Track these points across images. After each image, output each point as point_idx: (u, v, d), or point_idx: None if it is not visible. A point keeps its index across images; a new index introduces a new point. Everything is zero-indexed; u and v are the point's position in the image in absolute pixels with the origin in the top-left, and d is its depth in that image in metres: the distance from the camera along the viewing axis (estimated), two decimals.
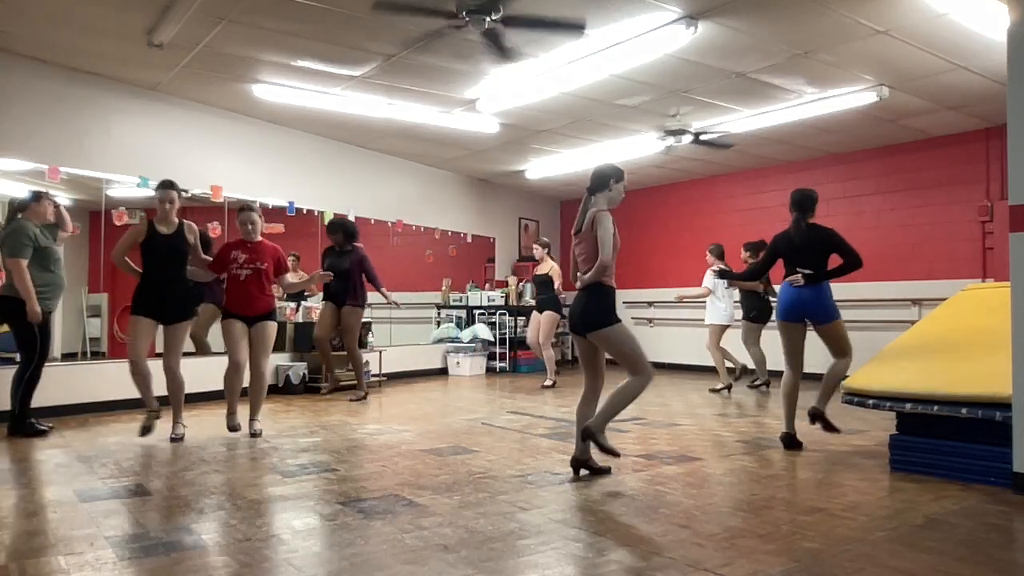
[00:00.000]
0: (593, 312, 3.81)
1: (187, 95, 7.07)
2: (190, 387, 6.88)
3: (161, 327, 5.01)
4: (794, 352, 4.79)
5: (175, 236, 5.00)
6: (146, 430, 4.93)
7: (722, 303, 7.93)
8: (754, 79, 6.28)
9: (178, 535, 2.91)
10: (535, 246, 8.76)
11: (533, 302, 10.78)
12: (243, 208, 5.38)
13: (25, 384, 5.19)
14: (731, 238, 10.02)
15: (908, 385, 3.95)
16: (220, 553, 2.71)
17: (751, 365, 7.98)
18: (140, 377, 4.88)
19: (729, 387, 7.76)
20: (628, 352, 3.83)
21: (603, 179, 4.03)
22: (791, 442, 4.73)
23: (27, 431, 5.14)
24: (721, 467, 4.19)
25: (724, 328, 7.93)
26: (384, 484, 3.77)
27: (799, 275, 4.68)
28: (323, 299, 7.53)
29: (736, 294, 7.97)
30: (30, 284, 5.06)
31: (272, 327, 5.32)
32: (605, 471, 3.94)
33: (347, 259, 7.21)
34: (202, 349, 7.43)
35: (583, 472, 3.94)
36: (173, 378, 5.03)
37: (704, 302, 8.17)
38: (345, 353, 7.51)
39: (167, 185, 5.01)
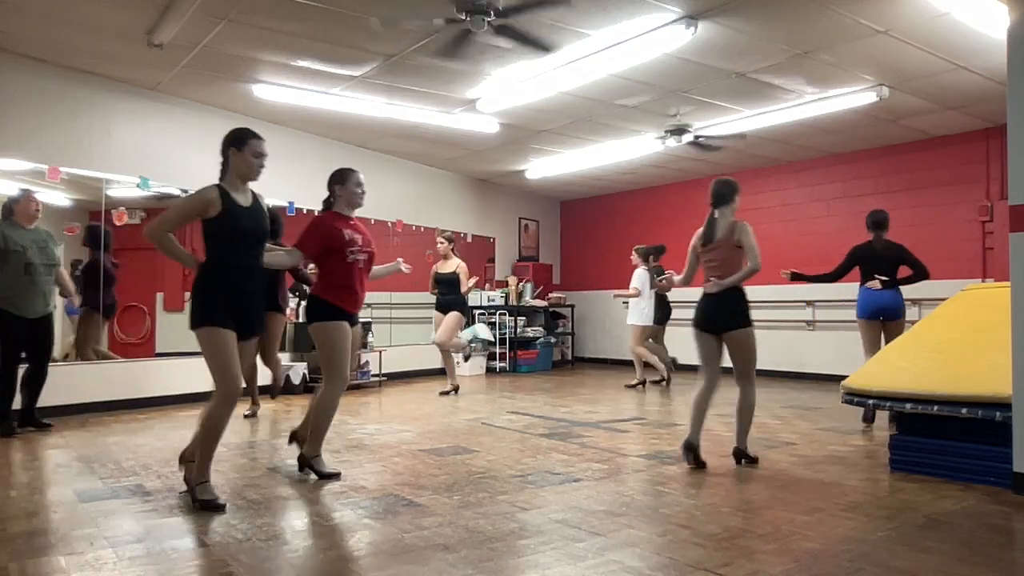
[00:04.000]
0: (737, 312, 4.20)
1: (187, 95, 7.07)
2: (190, 388, 6.94)
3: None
4: (875, 342, 5.75)
5: (257, 208, 3.57)
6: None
7: (645, 304, 8.11)
8: (754, 79, 6.28)
9: (178, 535, 2.91)
10: (439, 239, 7.79)
11: (534, 302, 10.82)
12: (351, 169, 4.11)
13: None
14: None
15: (908, 385, 3.95)
16: (220, 553, 2.71)
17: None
18: (229, 411, 3.41)
19: (666, 381, 8.21)
20: (752, 353, 4.24)
21: (729, 193, 4.44)
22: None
23: (3, 431, 5.15)
24: (721, 467, 4.19)
25: (647, 328, 8.17)
26: (384, 484, 3.77)
27: (876, 280, 5.74)
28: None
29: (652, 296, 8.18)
30: None
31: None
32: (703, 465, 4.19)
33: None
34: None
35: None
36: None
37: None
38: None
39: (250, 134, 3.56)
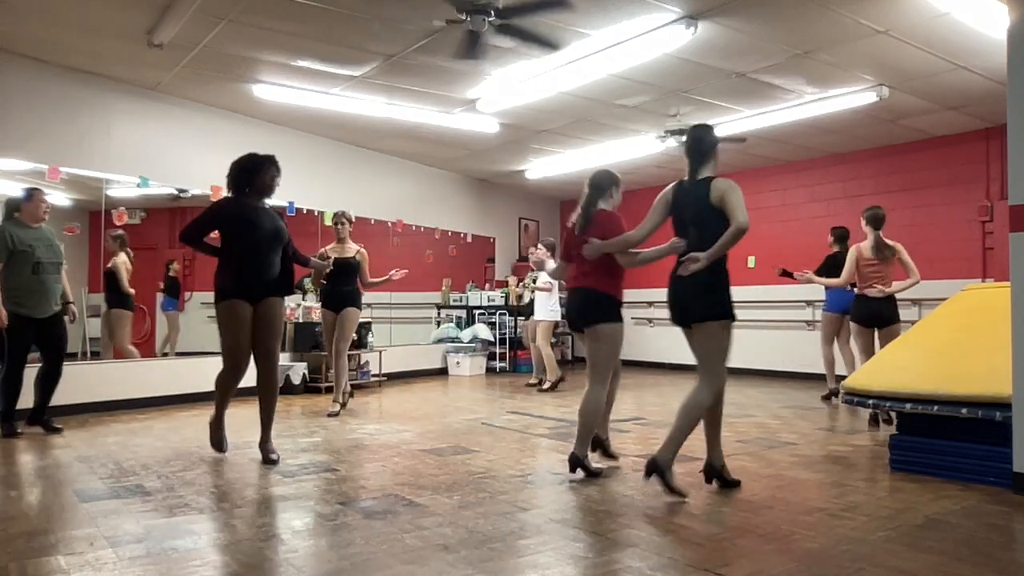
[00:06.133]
0: (896, 310, 5.49)
1: (187, 95, 7.07)
2: (190, 388, 6.93)
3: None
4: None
5: None
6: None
7: (554, 301, 8.11)
8: (754, 79, 6.28)
9: (178, 535, 2.91)
10: (341, 220, 6.36)
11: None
12: (609, 172, 4.21)
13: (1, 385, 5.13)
14: None
15: (908, 385, 3.95)
16: (220, 553, 2.71)
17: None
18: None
19: (561, 379, 8.08)
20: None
21: (883, 218, 5.65)
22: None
23: (6, 432, 5.10)
24: None
25: (552, 325, 8.16)
26: (384, 484, 3.77)
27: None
28: (236, 295, 4.46)
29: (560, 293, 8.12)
30: None
31: None
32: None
33: (269, 218, 4.79)
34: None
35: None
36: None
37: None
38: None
39: None
